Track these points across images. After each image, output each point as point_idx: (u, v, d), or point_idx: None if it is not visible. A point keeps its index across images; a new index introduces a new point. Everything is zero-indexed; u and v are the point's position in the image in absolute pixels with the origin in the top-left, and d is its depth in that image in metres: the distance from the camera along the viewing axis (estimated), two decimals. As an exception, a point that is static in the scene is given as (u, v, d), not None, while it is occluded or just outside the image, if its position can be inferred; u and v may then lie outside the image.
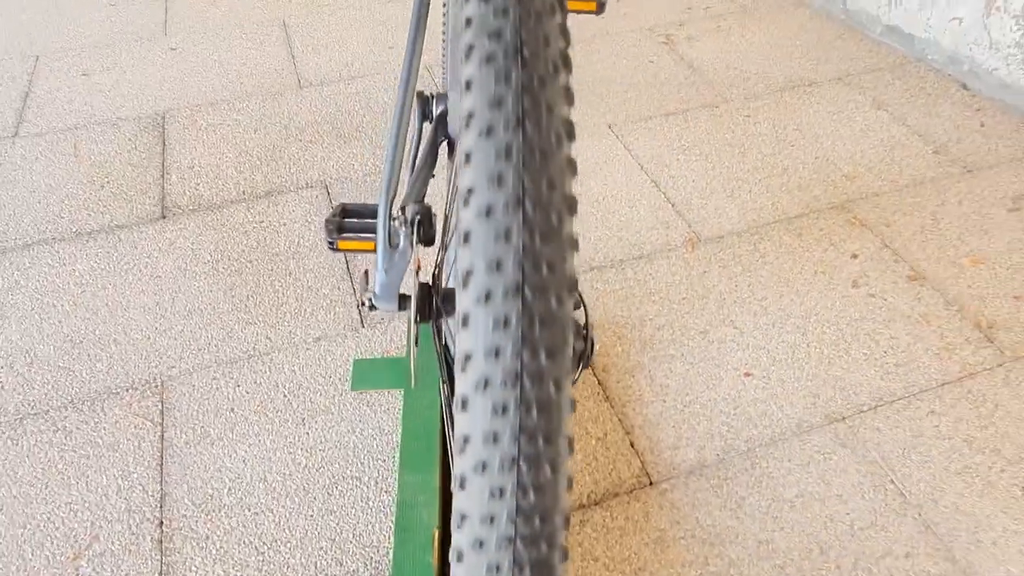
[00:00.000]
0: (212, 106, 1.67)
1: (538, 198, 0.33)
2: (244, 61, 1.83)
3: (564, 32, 0.38)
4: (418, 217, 0.69)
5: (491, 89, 0.34)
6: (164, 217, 1.38)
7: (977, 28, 1.67)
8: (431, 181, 0.90)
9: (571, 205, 0.34)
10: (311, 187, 1.44)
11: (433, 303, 0.66)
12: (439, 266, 0.72)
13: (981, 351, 1.13)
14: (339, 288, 1.23)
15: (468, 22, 0.37)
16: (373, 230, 0.85)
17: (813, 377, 1.10)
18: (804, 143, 1.55)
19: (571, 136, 0.35)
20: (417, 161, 0.85)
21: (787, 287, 1.23)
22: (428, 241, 0.72)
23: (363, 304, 0.70)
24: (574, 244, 0.33)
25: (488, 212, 0.32)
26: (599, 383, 1.09)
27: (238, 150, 1.54)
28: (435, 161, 0.85)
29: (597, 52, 1.85)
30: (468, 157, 0.34)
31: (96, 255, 1.30)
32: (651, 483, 0.96)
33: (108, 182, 1.46)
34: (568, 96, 0.36)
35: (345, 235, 0.84)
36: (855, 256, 1.29)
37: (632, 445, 1.01)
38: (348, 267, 1.27)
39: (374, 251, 0.84)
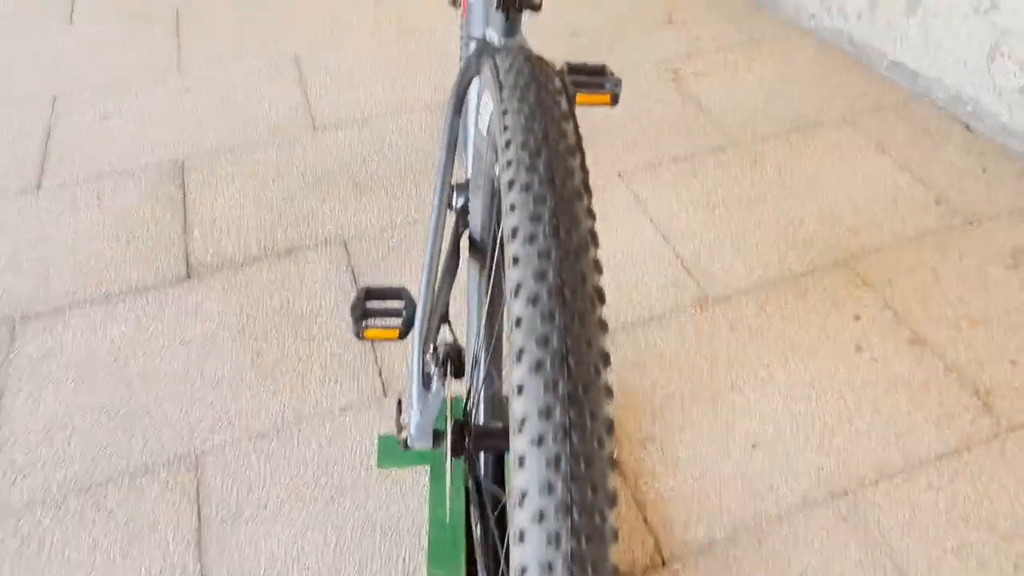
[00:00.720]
0: (230, 152, 1.70)
1: (583, 504, 0.38)
2: (258, 101, 1.86)
3: (603, 327, 0.42)
4: (448, 357, 0.74)
5: (541, 399, 0.39)
6: (189, 277, 1.42)
7: (981, 71, 1.69)
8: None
9: (612, 501, 0.39)
10: (330, 244, 1.49)
11: (467, 442, 0.71)
12: (470, 399, 0.77)
13: (979, 420, 1.18)
14: (360, 356, 1.28)
15: (518, 322, 0.41)
16: (397, 314, 0.89)
17: (817, 448, 1.15)
18: (810, 192, 1.58)
19: (610, 432, 0.40)
20: (441, 259, 0.89)
21: (792, 352, 1.28)
22: (458, 374, 0.76)
23: (399, 444, 0.75)
24: (614, 535, 0.38)
25: (540, 518, 0.37)
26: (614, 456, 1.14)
27: (258, 202, 1.58)
28: (459, 259, 0.89)
29: (606, 90, 1.88)
30: (521, 462, 0.38)
31: (126, 319, 1.34)
32: (663, 563, 1.02)
33: (133, 238, 1.50)
34: (608, 393, 0.41)
35: (370, 322, 0.88)
36: (858, 318, 1.33)
37: (645, 521, 1.07)
38: (369, 332, 1.31)
39: (399, 339, 0.88)
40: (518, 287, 0.43)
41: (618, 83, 0.85)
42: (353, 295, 1.33)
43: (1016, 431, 1.16)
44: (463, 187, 0.95)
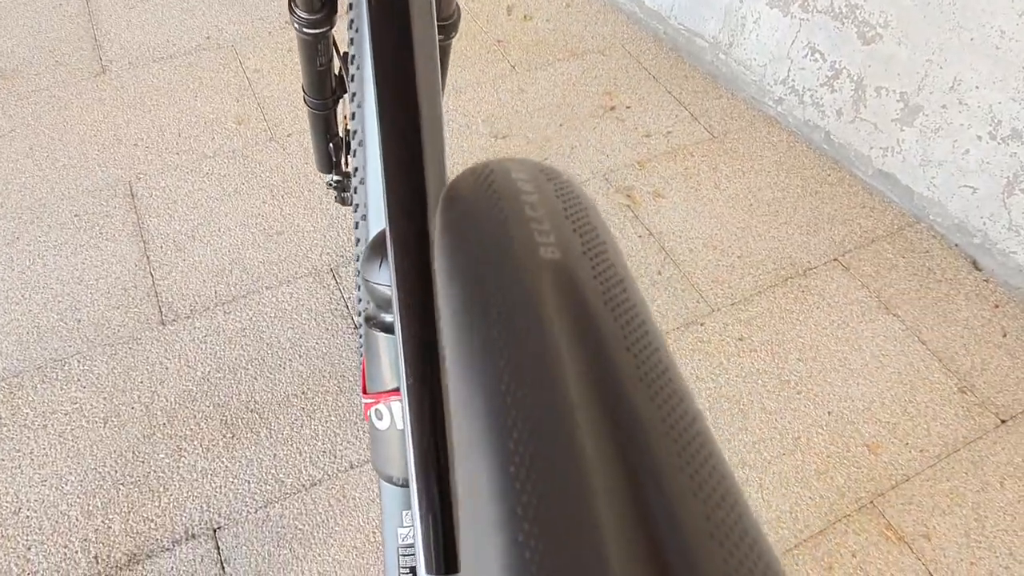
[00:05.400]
0: (39, 372, 1.22)
1: None
2: (81, 272, 1.37)
3: None
4: None
5: None
6: (-20, 629, 0.98)
7: (994, 203, 1.41)
8: None
9: None
10: (193, 538, 1.06)
11: None
12: None
13: None
14: None
15: None
16: None
17: None
18: (812, 385, 1.27)
19: None
20: None
21: None
22: None
23: None
24: None
25: None
26: None
27: (83, 467, 1.12)
28: None
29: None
30: None
31: None
32: None
33: None
34: None
35: None
36: (901, 605, 1.05)
37: None
38: None
39: None
40: None
41: None
42: None
43: None
44: None
